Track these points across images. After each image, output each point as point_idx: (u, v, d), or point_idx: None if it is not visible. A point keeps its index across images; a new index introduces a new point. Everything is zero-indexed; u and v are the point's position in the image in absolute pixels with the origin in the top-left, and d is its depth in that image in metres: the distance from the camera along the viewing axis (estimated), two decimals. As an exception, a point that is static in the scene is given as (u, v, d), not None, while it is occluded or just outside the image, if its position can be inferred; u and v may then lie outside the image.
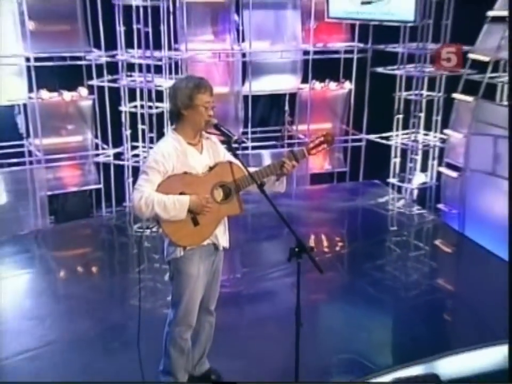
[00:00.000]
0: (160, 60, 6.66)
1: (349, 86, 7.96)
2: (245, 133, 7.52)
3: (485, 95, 6.23)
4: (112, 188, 7.26)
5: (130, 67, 6.88)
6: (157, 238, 5.86)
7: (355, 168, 8.06)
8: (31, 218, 6.89)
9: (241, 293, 5.02)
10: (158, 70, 6.69)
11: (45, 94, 6.78)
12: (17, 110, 7.02)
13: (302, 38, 7.63)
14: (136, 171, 6.73)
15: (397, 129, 7.75)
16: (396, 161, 7.84)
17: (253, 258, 5.85)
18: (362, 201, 7.30)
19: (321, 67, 7.67)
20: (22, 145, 7.02)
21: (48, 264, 5.71)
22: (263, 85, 7.61)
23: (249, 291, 5.05)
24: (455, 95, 6.54)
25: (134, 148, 7.01)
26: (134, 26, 6.52)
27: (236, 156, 3.22)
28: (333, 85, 7.95)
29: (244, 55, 7.36)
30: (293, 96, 7.98)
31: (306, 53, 7.58)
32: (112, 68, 6.96)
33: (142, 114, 6.74)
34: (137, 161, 6.92)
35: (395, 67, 7.56)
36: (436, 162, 7.39)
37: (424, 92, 7.39)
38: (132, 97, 6.89)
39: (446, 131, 6.85)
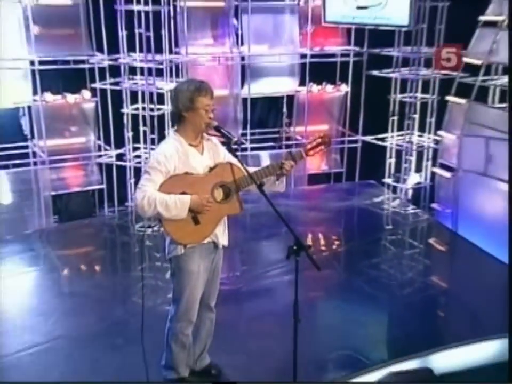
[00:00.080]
0: (161, 63, 6.66)
1: (345, 88, 7.97)
2: (244, 135, 7.51)
3: (477, 98, 6.24)
4: (115, 188, 7.25)
5: (132, 70, 6.88)
6: (158, 237, 5.85)
7: (351, 168, 8.06)
8: (36, 218, 6.89)
9: (241, 290, 5.02)
10: (159, 73, 6.68)
11: (49, 96, 6.79)
12: (21, 112, 7.02)
13: (300, 42, 7.64)
14: (138, 172, 6.75)
15: (392, 131, 7.76)
16: (391, 161, 7.85)
17: (252, 256, 5.85)
18: (358, 201, 7.30)
19: (318, 70, 7.67)
20: (26, 147, 7.03)
21: (52, 262, 5.71)
22: (262, 88, 7.62)
23: (248, 288, 5.05)
24: (448, 98, 6.54)
25: (135, 149, 7.01)
26: (136, 31, 6.52)
27: (235, 156, 3.24)
28: (329, 87, 7.95)
29: (242, 58, 7.36)
30: (290, 98, 8.00)
31: (303, 56, 7.58)
32: (115, 71, 6.95)
33: (144, 116, 6.74)
34: (139, 162, 6.92)
35: (390, 70, 7.57)
36: (429, 163, 7.40)
37: (419, 94, 7.40)
38: (134, 100, 6.89)
39: (439, 132, 6.85)
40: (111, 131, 7.11)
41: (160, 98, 6.72)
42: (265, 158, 7.77)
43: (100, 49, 6.88)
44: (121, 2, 6.57)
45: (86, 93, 7.04)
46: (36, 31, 6.49)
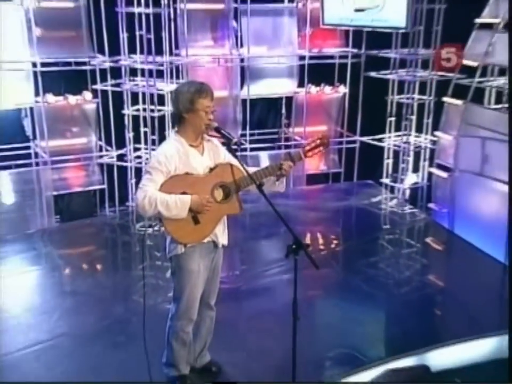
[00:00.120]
0: (161, 64, 6.67)
1: (343, 89, 7.99)
2: (243, 135, 7.53)
3: (474, 99, 6.25)
4: (116, 188, 7.27)
5: (133, 72, 6.90)
6: (158, 236, 5.87)
7: (349, 169, 8.08)
8: (38, 218, 6.91)
9: (240, 288, 5.03)
10: (160, 74, 6.70)
11: (50, 98, 6.81)
12: (24, 113, 7.04)
13: (298, 44, 7.65)
14: (138, 172, 6.77)
15: (390, 131, 7.78)
16: (388, 162, 7.87)
17: (252, 255, 5.86)
18: (356, 201, 7.31)
19: (316, 72, 7.69)
20: (28, 147, 7.05)
21: (54, 261, 5.71)
22: (261, 89, 7.64)
23: (248, 287, 5.06)
24: (445, 99, 6.55)
25: (136, 149, 7.03)
26: (137, 33, 6.55)
27: (235, 157, 3.25)
28: (328, 88, 7.98)
29: (242, 60, 7.38)
30: (289, 99, 8.02)
31: (302, 58, 7.60)
32: (116, 72, 6.97)
33: (144, 117, 6.75)
34: (140, 163, 6.94)
35: (388, 72, 7.60)
36: (427, 163, 7.42)
37: (416, 96, 7.42)
38: (135, 101, 6.90)
39: (436, 133, 6.86)
40: (112, 132, 7.13)
41: (161, 100, 6.73)
42: (264, 158, 7.79)
43: (101, 51, 6.90)
44: (122, 5, 6.59)
45: (88, 94, 7.06)
46: (38, 33, 6.51)
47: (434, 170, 6.81)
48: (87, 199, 7.39)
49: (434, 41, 7.02)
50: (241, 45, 7.38)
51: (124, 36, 6.73)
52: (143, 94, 6.76)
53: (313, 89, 7.88)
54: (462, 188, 6.18)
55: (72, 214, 7.13)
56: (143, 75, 6.76)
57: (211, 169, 3.27)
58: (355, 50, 7.77)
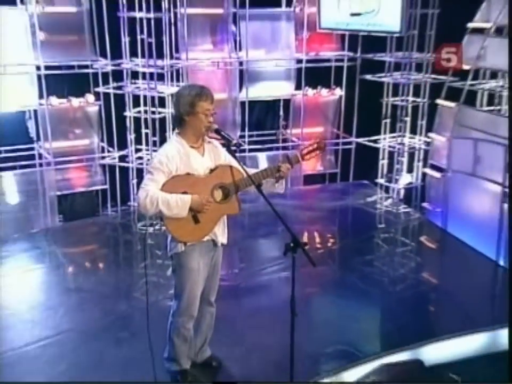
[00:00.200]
0: (162, 68, 6.68)
1: (339, 92, 8.00)
2: (242, 137, 7.55)
3: (466, 101, 6.28)
4: (117, 188, 7.27)
5: (135, 75, 6.91)
6: (159, 235, 5.90)
7: (345, 169, 8.09)
8: (42, 217, 6.90)
9: (240, 286, 5.05)
10: (161, 77, 6.71)
11: (54, 100, 6.81)
12: (28, 115, 7.04)
13: (296, 48, 7.66)
14: (140, 172, 6.78)
15: (385, 133, 7.79)
16: (383, 163, 7.89)
17: (250, 254, 5.88)
18: (352, 201, 7.33)
19: (313, 74, 7.71)
20: (32, 149, 7.03)
21: (58, 259, 5.74)
22: (259, 91, 7.66)
23: (247, 284, 5.08)
24: (438, 101, 6.58)
25: (137, 150, 7.03)
26: (138, 37, 6.55)
27: (235, 158, 3.28)
28: (324, 91, 7.98)
29: (241, 63, 7.39)
30: (287, 102, 8.02)
31: (299, 61, 7.62)
32: (118, 75, 6.98)
33: (146, 119, 6.76)
34: (141, 163, 6.95)
35: (383, 74, 7.61)
36: (421, 163, 7.43)
37: (410, 98, 7.44)
38: (136, 103, 6.91)
39: (430, 134, 6.88)
40: (114, 133, 7.13)
41: (161, 102, 6.75)
42: (262, 159, 7.81)
43: (103, 55, 6.91)
44: (124, 10, 6.59)
45: (90, 97, 7.06)
46: (42, 37, 6.51)
47: (428, 171, 6.83)
48: (89, 199, 7.39)
49: (428, 45, 7.05)
50: (240, 49, 7.39)
51: (125, 40, 6.73)
52: (144, 96, 6.77)
53: (310, 91, 7.87)
54: (454, 187, 6.20)
55: (75, 214, 7.14)
56: (144, 78, 6.77)
57: (211, 170, 3.30)
58: (351, 54, 7.78)
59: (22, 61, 6.45)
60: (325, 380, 3.71)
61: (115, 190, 7.30)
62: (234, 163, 3.30)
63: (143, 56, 6.63)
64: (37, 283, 5.36)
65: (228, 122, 7.42)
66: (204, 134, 3.31)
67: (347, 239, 6.34)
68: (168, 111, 6.68)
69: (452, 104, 6.33)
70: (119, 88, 6.97)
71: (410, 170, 7.62)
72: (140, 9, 6.46)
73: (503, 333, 4.17)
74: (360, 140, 7.93)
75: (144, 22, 6.48)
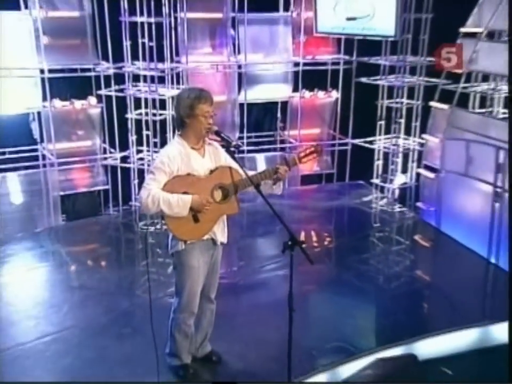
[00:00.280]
0: (163, 71, 6.68)
1: (335, 94, 8.02)
2: (240, 138, 7.56)
3: (459, 104, 6.31)
4: (119, 189, 7.28)
5: (136, 78, 6.90)
6: (160, 234, 5.93)
7: (342, 170, 8.10)
8: (45, 217, 6.91)
9: (239, 283, 5.07)
10: (161, 80, 6.71)
11: (57, 102, 6.83)
12: (31, 117, 7.05)
13: (293, 51, 7.67)
14: (141, 173, 6.80)
15: (380, 134, 7.81)
16: (378, 163, 7.90)
17: (249, 252, 5.90)
18: (348, 200, 7.35)
19: (310, 77, 7.72)
20: (36, 150, 7.04)
21: (61, 258, 5.76)
22: (257, 94, 7.68)
23: (246, 282, 5.10)
24: (432, 103, 6.60)
25: (139, 151, 7.02)
26: (139, 41, 6.56)
27: (234, 159, 3.31)
28: (321, 93, 8.00)
29: (239, 66, 7.41)
30: (284, 104, 8.04)
31: (296, 64, 7.63)
32: (119, 78, 6.98)
33: (147, 121, 6.76)
34: (142, 164, 6.96)
35: (378, 77, 7.62)
36: (415, 164, 7.43)
37: (404, 100, 7.45)
38: (137, 105, 6.90)
39: (424, 136, 6.89)
40: (116, 135, 7.13)
41: (162, 104, 6.74)
42: (260, 160, 7.83)
43: (106, 58, 6.92)
44: (125, 14, 6.60)
45: (92, 99, 7.08)
46: (45, 41, 6.53)
47: (422, 171, 6.84)
48: (92, 199, 7.41)
49: (421, 49, 7.08)
50: (239, 52, 7.41)
51: (127, 43, 6.73)
52: (146, 99, 6.76)
53: (307, 94, 7.89)
54: (448, 187, 6.22)
55: (78, 213, 7.15)
56: (145, 81, 6.77)
57: (211, 171, 3.33)
58: (347, 57, 7.80)
59: (26, 64, 6.47)
60: (321, 375, 3.74)
61: (117, 190, 7.31)
62: (234, 164, 3.33)
63: (144, 59, 6.63)
64: (41, 281, 5.38)
65: (227, 124, 7.45)
66: (204, 136, 3.34)
67: (343, 237, 6.35)
68: (169, 113, 6.69)
69: (445, 106, 6.35)
70: (121, 90, 6.97)
71: (404, 170, 7.62)
72: (141, 13, 6.46)
73: (494, 329, 4.21)
74: (356, 141, 7.95)
75: (145, 26, 6.48)
